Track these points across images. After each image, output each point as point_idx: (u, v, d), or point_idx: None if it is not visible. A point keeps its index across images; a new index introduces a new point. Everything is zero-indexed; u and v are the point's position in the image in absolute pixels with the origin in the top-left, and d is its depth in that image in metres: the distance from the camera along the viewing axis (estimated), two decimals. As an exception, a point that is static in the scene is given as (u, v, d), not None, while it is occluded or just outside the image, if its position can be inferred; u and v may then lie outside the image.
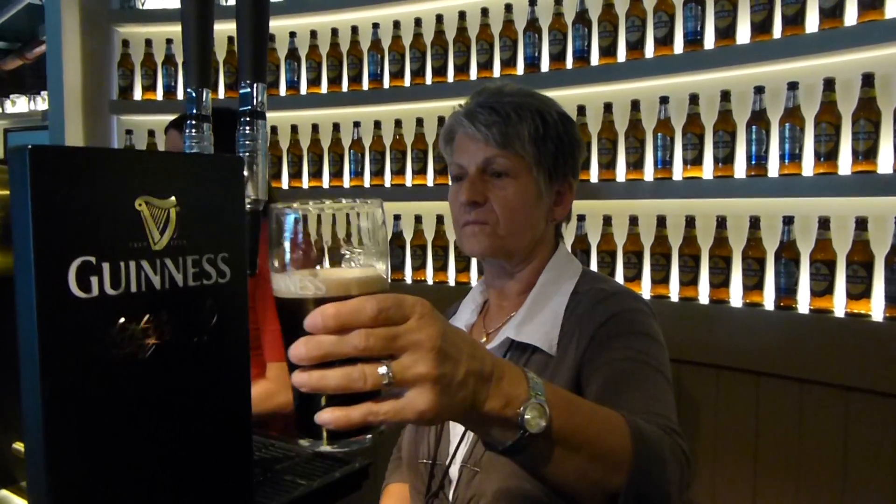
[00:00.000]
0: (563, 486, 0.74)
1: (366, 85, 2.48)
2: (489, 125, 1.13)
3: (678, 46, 1.95)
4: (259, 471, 0.85)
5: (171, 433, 0.65)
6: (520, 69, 2.21)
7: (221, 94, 2.65)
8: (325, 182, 2.54)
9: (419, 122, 2.37)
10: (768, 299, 1.79)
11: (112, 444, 0.61)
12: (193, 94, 0.81)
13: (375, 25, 2.43)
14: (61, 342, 0.57)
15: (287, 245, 0.58)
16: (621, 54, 2.04)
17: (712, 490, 1.85)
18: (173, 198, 0.63)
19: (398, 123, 2.41)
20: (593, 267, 2.05)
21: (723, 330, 1.81)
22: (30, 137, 4.19)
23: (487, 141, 1.13)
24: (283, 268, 0.58)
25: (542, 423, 0.65)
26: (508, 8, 2.21)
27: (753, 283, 1.79)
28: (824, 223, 1.68)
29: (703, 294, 1.90)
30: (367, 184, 2.47)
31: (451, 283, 2.31)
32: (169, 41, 2.69)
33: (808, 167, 1.74)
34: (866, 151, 1.63)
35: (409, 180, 2.41)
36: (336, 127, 2.51)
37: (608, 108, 2.05)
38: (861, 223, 1.64)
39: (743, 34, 1.84)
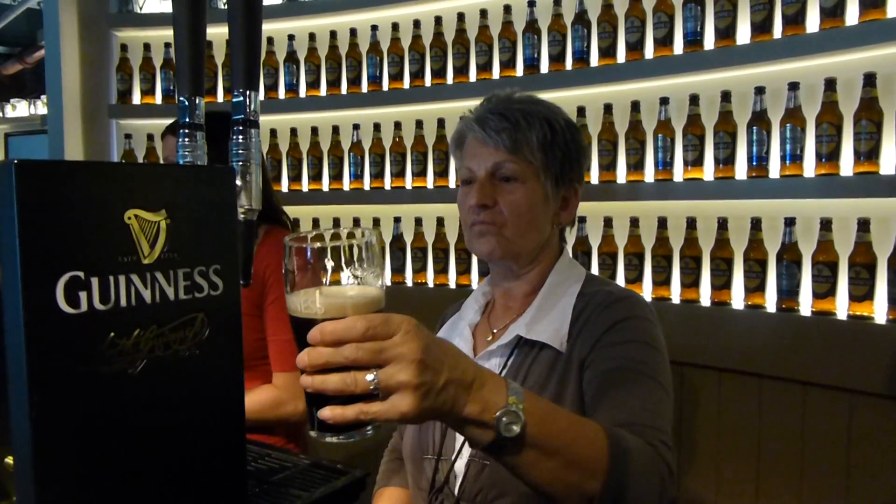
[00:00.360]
0: (539, 487, 0.81)
1: (365, 87, 2.47)
2: (499, 131, 1.17)
3: (678, 47, 1.93)
4: (254, 482, 0.84)
5: (163, 448, 0.64)
6: (519, 71, 2.20)
7: (220, 97, 2.65)
8: (325, 185, 2.53)
9: (419, 124, 2.36)
10: (770, 301, 1.78)
11: (102, 460, 0.60)
12: (186, 103, 0.81)
13: (374, 27, 2.42)
14: (50, 358, 0.56)
15: (296, 272, 0.68)
16: (621, 55, 2.03)
17: (715, 493, 1.84)
18: (163, 210, 0.62)
19: (398, 125, 2.40)
20: (594, 269, 2.05)
21: (724, 332, 1.80)
22: (30, 142, 4.19)
23: (497, 146, 1.17)
24: (293, 290, 0.69)
25: (516, 428, 0.74)
26: (507, 9, 2.20)
27: (755, 285, 1.78)
28: (826, 224, 1.67)
29: (705, 296, 1.88)
30: (366, 186, 2.46)
31: (452, 285, 2.30)
32: (167, 45, 2.68)
33: (809, 168, 1.73)
34: (868, 152, 1.62)
35: (408, 182, 2.40)
36: (335, 129, 2.51)
37: (608, 109, 2.04)
38: (863, 224, 1.62)
39: (743, 34, 1.83)
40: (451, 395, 0.71)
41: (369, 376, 0.66)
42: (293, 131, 2.56)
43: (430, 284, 2.33)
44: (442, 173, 2.32)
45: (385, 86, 2.44)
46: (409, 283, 2.37)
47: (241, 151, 0.79)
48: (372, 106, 2.45)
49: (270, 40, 2.59)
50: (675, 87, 1.96)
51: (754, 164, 1.79)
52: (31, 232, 0.55)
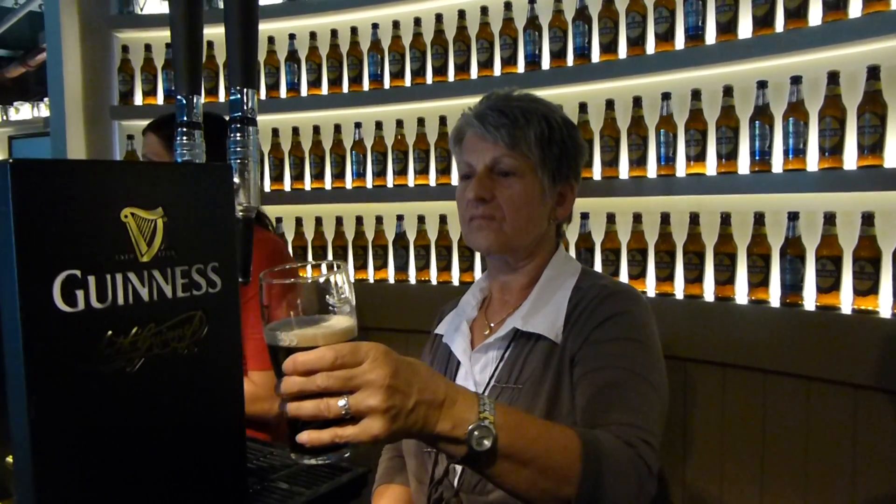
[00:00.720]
0: (516, 494, 0.86)
1: (366, 86, 2.46)
2: (498, 127, 1.20)
3: (679, 42, 1.93)
4: (255, 480, 0.84)
5: (163, 446, 0.64)
6: (520, 67, 2.20)
7: (222, 97, 2.65)
8: (328, 183, 2.53)
9: (420, 121, 2.36)
10: (774, 296, 1.77)
11: (102, 459, 0.60)
12: (184, 101, 0.80)
13: (375, 26, 2.42)
14: (48, 357, 0.56)
15: (271, 306, 0.73)
16: (622, 51, 2.03)
17: (720, 488, 1.84)
18: (160, 208, 0.62)
19: (399, 124, 2.40)
20: (598, 265, 2.04)
21: (728, 327, 1.80)
22: (34, 144, 4.20)
23: (496, 141, 1.20)
24: (268, 322, 0.74)
25: (487, 442, 0.79)
26: (508, 6, 2.19)
27: (759, 280, 1.77)
28: (830, 219, 1.66)
29: (709, 291, 1.88)
30: (369, 184, 2.46)
31: (455, 282, 2.29)
32: (168, 46, 2.68)
33: (812, 162, 1.72)
34: (872, 145, 1.61)
35: (411, 180, 2.39)
36: (337, 128, 2.50)
37: (610, 104, 2.03)
38: (867, 218, 1.61)
39: (745, 28, 1.82)
40: (421, 415, 0.76)
41: (341, 402, 0.71)
42: (295, 130, 2.56)
43: (434, 282, 2.33)
44: (444, 171, 2.32)
45: (387, 84, 2.43)
46: (413, 280, 2.37)
47: (238, 149, 0.79)
48: (374, 104, 2.45)
49: (272, 39, 2.59)
50: (677, 82, 1.95)
51: (757, 158, 1.78)
52: (28, 231, 0.55)
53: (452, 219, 2.30)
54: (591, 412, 1.02)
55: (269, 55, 2.59)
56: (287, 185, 2.59)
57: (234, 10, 0.78)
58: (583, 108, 2.05)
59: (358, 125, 2.46)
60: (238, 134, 0.79)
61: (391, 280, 2.41)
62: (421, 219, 2.34)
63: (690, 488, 1.89)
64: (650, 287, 1.96)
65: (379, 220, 2.43)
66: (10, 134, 4.47)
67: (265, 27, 2.60)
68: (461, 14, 2.27)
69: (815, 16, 1.71)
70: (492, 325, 1.28)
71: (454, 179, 2.32)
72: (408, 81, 2.40)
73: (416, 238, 2.35)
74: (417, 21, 2.35)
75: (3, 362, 0.57)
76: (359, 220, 2.45)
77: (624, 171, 2.03)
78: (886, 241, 1.61)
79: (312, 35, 2.53)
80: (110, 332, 0.59)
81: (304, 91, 2.57)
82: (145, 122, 1.88)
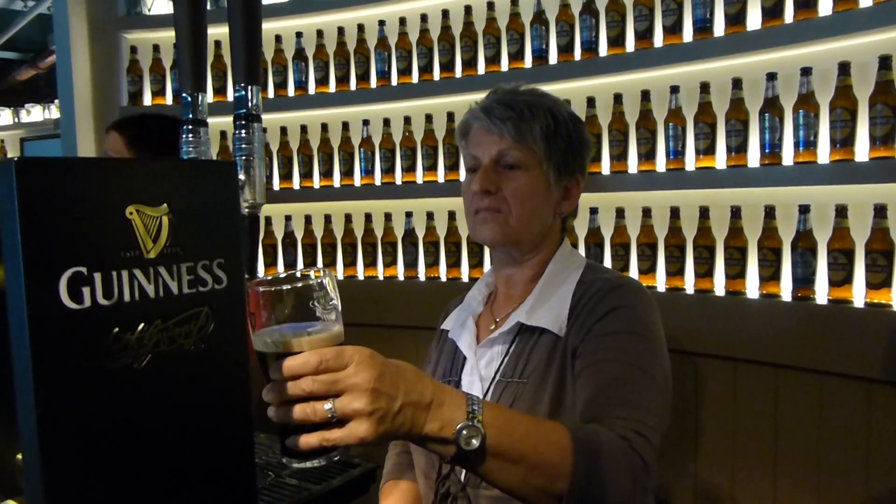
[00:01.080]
0: (509, 491, 0.87)
1: (374, 83, 2.46)
2: (504, 120, 1.20)
3: (687, 34, 1.91)
4: (263, 475, 0.84)
5: (171, 442, 0.64)
6: (528, 62, 2.19)
7: (231, 96, 2.65)
8: (337, 181, 2.54)
9: (428, 118, 2.35)
10: (785, 290, 1.76)
11: (110, 455, 0.60)
12: (189, 99, 0.80)
13: (381, 23, 2.42)
14: (55, 354, 0.56)
15: (258, 313, 0.74)
16: (630, 44, 2.01)
17: (731, 484, 1.83)
18: (165, 205, 0.62)
19: (407, 120, 2.40)
20: (607, 260, 2.03)
21: (739, 322, 1.78)
22: (45, 145, 4.22)
23: (502, 134, 1.20)
24: (256, 329, 0.75)
25: (475, 442, 0.80)
26: (514, 1, 2.19)
27: (770, 274, 1.76)
28: (842, 211, 1.65)
29: (719, 286, 1.87)
30: (377, 181, 2.46)
31: (465, 278, 2.29)
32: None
33: (823, 154, 1.71)
34: (884, 136, 1.59)
35: (420, 177, 2.39)
36: (345, 126, 2.50)
37: (618, 98, 2.02)
38: (880, 210, 1.60)
39: (753, 20, 1.81)
40: (408, 416, 0.77)
41: (327, 405, 0.73)
42: (303, 128, 2.56)
43: (443, 278, 2.33)
44: (453, 167, 2.32)
45: (394, 81, 2.43)
46: (422, 277, 2.37)
47: (244, 146, 0.79)
48: (381, 101, 2.45)
49: (279, 38, 2.60)
50: (686, 75, 1.94)
51: (767, 151, 1.77)
52: (33, 229, 0.55)
53: (461, 215, 2.29)
54: (590, 406, 1.02)
55: (276, 54, 2.60)
56: (296, 183, 2.60)
57: (238, 8, 0.78)
58: (591, 102, 2.04)
59: (366, 122, 2.46)
60: (243, 131, 0.80)
61: (401, 277, 2.41)
62: (430, 215, 2.34)
63: (702, 484, 1.88)
64: (660, 282, 1.95)
65: (388, 216, 2.43)
66: (22, 136, 4.49)
67: (272, 26, 2.60)
68: (467, 10, 2.27)
69: (826, 6, 1.69)
70: (497, 319, 1.28)
71: (462, 175, 2.31)
72: (415, 78, 2.40)
73: (425, 234, 2.35)
74: (424, 17, 2.35)
75: (10, 359, 0.57)
76: (368, 217, 2.45)
77: (633, 165, 2.02)
78: (899, 233, 1.59)
79: (319, 33, 2.53)
80: (117, 329, 0.59)
81: (311, 89, 2.57)
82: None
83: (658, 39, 1.96)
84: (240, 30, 0.78)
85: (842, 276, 1.64)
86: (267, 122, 2.47)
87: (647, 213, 1.95)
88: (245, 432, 0.71)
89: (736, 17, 1.80)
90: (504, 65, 2.24)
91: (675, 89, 1.92)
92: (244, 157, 0.79)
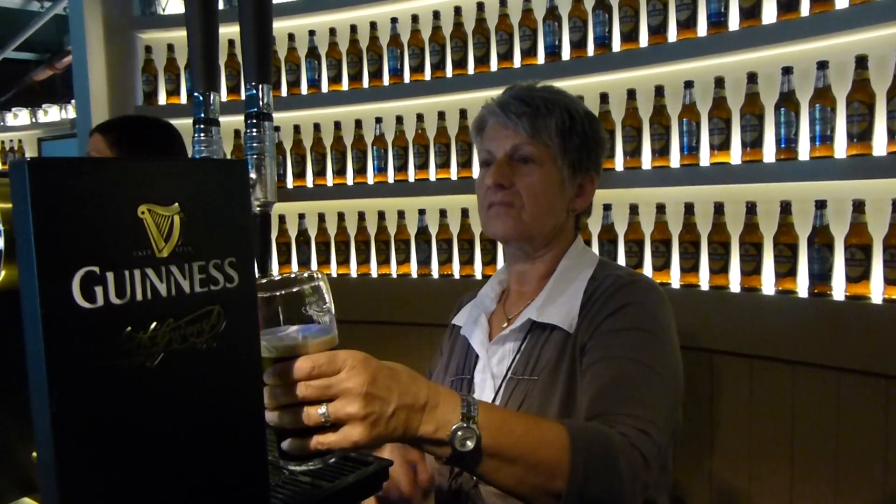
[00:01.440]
0: (507, 490, 0.87)
1: (386, 80, 2.47)
2: (520, 115, 1.20)
3: (702, 29, 1.90)
4: (278, 472, 0.84)
5: (184, 440, 0.65)
6: (540, 58, 2.18)
7: (244, 95, 2.66)
8: (350, 179, 2.54)
9: (441, 115, 2.35)
10: (802, 286, 1.74)
11: (124, 454, 0.60)
12: (200, 98, 0.81)
13: (394, 20, 2.42)
14: (68, 353, 0.57)
15: None
16: (643, 39, 2.00)
17: (748, 482, 1.81)
18: (176, 204, 0.62)
19: (420, 118, 2.40)
20: (621, 257, 2.02)
21: (755, 318, 1.77)
22: (62, 145, 4.27)
23: (517, 129, 1.21)
24: None
25: (470, 443, 0.80)
26: (527, -3, 2.18)
27: (786, 270, 1.74)
28: (859, 206, 1.63)
29: (735, 282, 1.85)
30: (391, 179, 2.46)
31: (478, 276, 2.29)
32: (191, 45, 2.70)
33: (840, 149, 1.69)
34: (902, 130, 1.57)
35: (432, 174, 2.39)
36: (358, 123, 2.51)
37: (632, 94, 2.01)
38: (898, 205, 1.58)
39: (769, 13, 1.79)
40: (402, 419, 0.78)
41: (321, 410, 0.73)
42: (316, 126, 2.57)
43: (457, 276, 2.33)
44: (465, 164, 2.31)
45: (406, 78, 2.43)
46: (436, 275, 2.37)
47: (255, 144, 0.79)
48: (394, 99, 2.45)
49: (291, 36, 2.60)
50: (700, 69, 1.93)
51: (783, 146, 1.75)
52: (46, 229, 0.55)
53: (474, 212, 2.29)
54: (594, 403, 1.02)
55: (289, 52, 2.60)
56: (309, 182, 2.60)
57: (248, 6, 0.78)
58: (604, 98, 2.03)
59: (379, 120, 2.47)
60: (254, 129, 0.80)
61: (414, 274, 2.41)
62: (443, 212, 2.34)
63: (718, 481, 1.87)
64: (675, 278, 1.94)
65: (401, 214, 2.44)
66: (40, 136, 4.54)
67: (286, 24, 2.61)
68: (480, 6, 2.26)
69: (842, -2, 1.67)
70: (510, 317, 1.27)
71: (475, 172, 2.31)
72: (427, 75, 2.39)
73: (438, 232, 2.35)
74: (436, 14, 2.35)
75: (24, 358, 0.58)
76: (381, 214, 2.46)
77: (647, 161, 2.01)
78: (918, 229, 1.57)
79: (332, 31, 2.54)
80: (130, 328, 0.60)
81: (324, 87, 2.58)
82: (170, 122, 1.92)
83: (672, 34, 1.95)
84: (250, 28, 0.78)
85: (859, 271, 1.63)
86: (280, 121, 2.48)
87: (661, 209, 1.94)
88: (257, 430, 0.71)
89: (751, 11, 1.79)
90: (517, 61, 2.23)
91: (689, 84, 1.90)
92: (255, 156, 0.79)
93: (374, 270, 2.49)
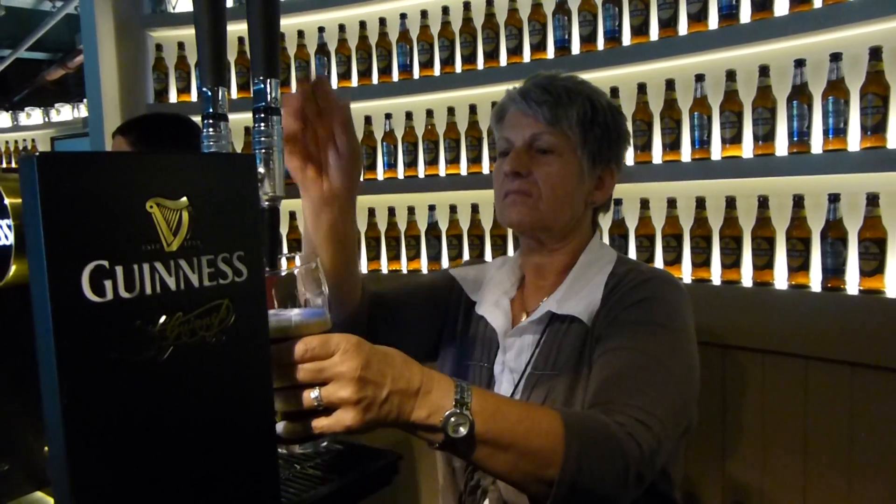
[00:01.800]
0: (499, 477, 0.87)
1: (396, 76, 2.47)
2: (540, 103, 1.18)
3: (713, 21, 1.88)
4: (289, 466, 0.85)
5: (194, 434, 0.65)
6: (550, 53, 2.17)
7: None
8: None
9: (451, 111, 2.35)
10: (815, 281, 1.73)
11: (134, 447, 0.61)
12: (209, 94, 0.81)
13: (403, 16, 2.42)
14: (78, 347, 0.57)
15: None
16: (654, 33, 1.99)
17: (761, 477, 1.80)
18: (185, 198, 0.62)
19: (429, 113, 2.39)
20: (632, 251, 2.01)
21: (767, 313, 1.76)
22: (74, 145, 4.30)
23: (537, 118, 1.18)
24: None
25: (463, 430, 0.79)
26: (536, -9, 2.17)
27: (799, 265, 1.73)
28: (873, 200, 1.61)
29: (747, 277, 1.84)
30: (400, 175, 2.46)
31: (488, 272, 2.28)
32: (201, 42, 2.71)
33: (854, 142, 1.67)
34: (916, 122, 1.56)
35: (442, 170, 2.39)
36: (368, 119, 2.51)
37: (642, 88, 2.00)
38: (912, 198, 1.56)
39: (781, 5, 1.77)
40: (395, 404, 0.77)
41: (313, 393, 0.73)
42: (326, 123, 2.57)
43: (466, 272, 2.32)
44: (475, 160, 2.31)
45: (416, 74, 2.43)
46: (445, 271, 2.36)
47: (263, 139, 0.79)
48: (403, 95, 2.45)
49: (301, 33, 2.61)
50: (711, 63, 1.91)
51: (795, 139, 1.73)
52: (55, 223, 0.55)
53: (484, 208, 2.29)
54: (598, 392, 1.00)
55: (299, 49, 2.61)
56: (319, 178, 2.60)
57: (256, 2, 0.78)
58: (614, 92, 2.02)
59: (388, 116, 2.47)
60: (262, 124, 0.80)
61: (424, 270, 2.41)
62: (453, 208, 2.34)
63: (730, 476, 1.86)
64: (686, 273, 1.93)
65: (411, 210, 2.44)
66: (52, 135, 4.58)
67: (295, 21, 2.61)
68: (489, 1, 2.26)
69: (855, -11, 1.65)
70: (528, 310, 1.24)
71: (485, 168, 2.31)
72: (437, 71, 2.39)
73: (448, 227, 2.35)
74: (445, 10, 2.34)
75: (35, 352, 0.58)
76: (391, 210, 2.46)
77: (657, 155, 2.00)
78: (933, 222, 1.56)
79: (341, 27, 2.54)
80: (139, 322, 0.60)
81: (334, 83, 2.58)
82: (189, 117, 1.95)
83: (683, 27, 1.93)
84: (258, 23, 0.78)
85: (873, 266, 1.61)
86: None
87: (672, 203, 1.93)
88: (267, 423, 0.71)
89: (763, 3, 1.77)
90: (526, 56, 2.23)
91: (700, 77, 1.89)
92: (263, 150, 0.79)
93: (384, 266, 2.49)
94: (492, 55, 2.27)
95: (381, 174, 2.51)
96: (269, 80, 0.80)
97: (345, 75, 2.54)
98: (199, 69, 0.83)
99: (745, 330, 1.79)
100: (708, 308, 1.82)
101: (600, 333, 1.10)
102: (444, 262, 2.37)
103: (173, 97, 2.83)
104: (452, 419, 0.79)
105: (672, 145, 1.94)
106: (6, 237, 0.77)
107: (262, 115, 0.80)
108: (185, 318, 0.63)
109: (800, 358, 1.72)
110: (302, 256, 0.79)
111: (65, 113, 4.51)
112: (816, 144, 1.73)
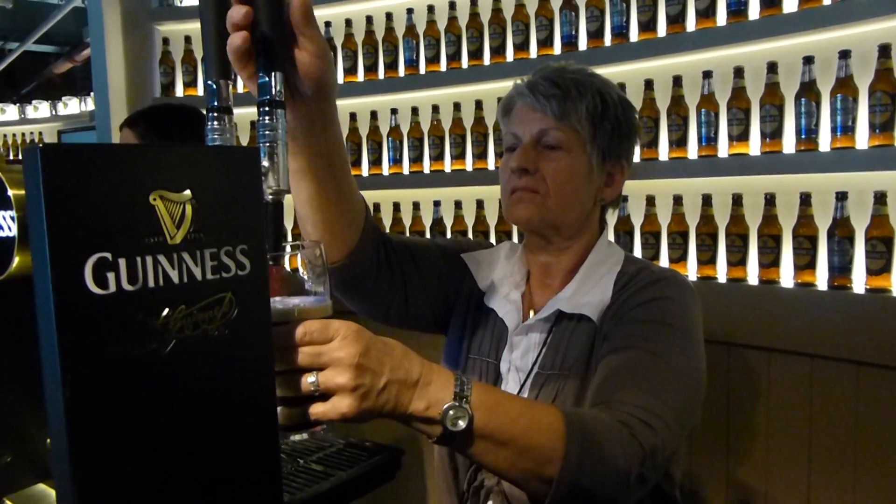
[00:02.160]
0: (498, 473, 0.85)
1: (402, 71, 2.46)
2: (549, 97, 1.14)
3: (721, 18, 1.87)
4: (292, 460, 0.85)
5: (195, 427, 0.65)
6: (557, 49, 2.16)
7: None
8: (365, 170, 2.54)
9: (457, 106, 2.34)
10: (821, 279, 1.72)
11: (136, 440, 0.61)
12: (214, 87, 0.81)
13: (409, 11, 2.41)
14: (80, 340, 0.57)
15: None
16: (661, 28, 1.98)
17: (766, 477, 1.80)
18: (188, 191, 0.62)
19: (435, 109, 2.39)
20: (637, 249, 2.01)
21: (773, 311, 1.75)
22: (81, 138, 4.31)
23: (545, 112, 1.14)
24: None
25: (462, 423, 0.78)
26: (544, -14, 2.16)
27: (805, 263, 1.72)
28: (880, 198, 1.60)
29: (753, 275, 1.83)
30: (406, 170, 2.46)
31: (493, 269, 2.28)
32: (208, 36, 2.71)
33: (862, 140, 1.66)
34: (926, 120, 1.55)
35: (448, 166, 2.39)
36: (373, 115, 2.51)
37: (649, 84, 1.99)
38: (921, 196, 1.55)
39: (790, 2, 1.76)
40: (392, 394, 0.75)
41: (311, 378, 0.72)
42: (332, 118, 2.57)
43: (471, 268, 2.32)
44: (481, 155, 2.30)
45: (422, 69, 2.43)
46: (450, 267, 2.36)
47: (267, 132, 0.79)
48: (409, 90, 2.44)
49: (307, 28, 2.60)
50: (719, 59, 1.90)
51: (803, 136, 1.72)
52: (58, 215, 0.55)
53: (489, 204, 2.29)
54: (601, 389, 0.98)
55: (305, 43, 2.60)
56: (325, 173, 2.60)
57: (261, -6, 0.78)
58: (621, 88, 2.00)
59: (394, 111, 2.46)
60: (266, 117, 0.79)
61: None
62: (458, 204, 2.33)
63: (735, 476, 1.85)
64: (692, 270, 1.92)
65: (416, 206, 2.43)
66: (59, 128, 4.59)
67: (302, 16, 2.60)
68: (496, -4, 2.25)
69: (865, -14, 1.64)
70: (536, 309, 1.22)
71: (491, 164, 2.30)
72: (443, 66, 2.38)
73: (453, 223, 2.35)
74: (452, 5, 2.34)
75: (38, 345, 0.58)
76: (396, 206, 2.45)
77: (664, 152, 1.99)
78: (941, 221, 1.54)
79: (348, 22, 2.53)
80: (142, 315, 0.60)
81: (340, 78, 2.57)
82: (195, 107, 1.95)
83: (691, 23, 1.92)
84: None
85: (880, 264, 1.60)
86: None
87: (678, 200, 1.92)
88: (269, 417, 0.71)
89: (771, 0, 1.76)
90: (533, 51, 2.22)
91: (707, 74, 1.88)
92: (268, 144, 0.79)
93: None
94: (498, 51, 2.26)
95: (386, 169, 2.51)
96: (273, 74, 0.79)
97: (351, 70, 2.54)
98: (204, 63, 0.82)
99: (751, 328, 1.78)
100: (713, 306, 1.81)
101: (607, 331, 1.08)
102: (449, 258, 2.36)
103: (180, 91, 2.83)
104: (451, 412, 0.78)
105: (679, 142, 1.93)
106: (9, 228, 0.78)
107: (267, 109, 0.79)
108: (188, 312, 0.63)
109: (805, 356, 1.71)
110: (304, 241, 0.78)
111: (72, 106, 4.52)
112: (824, 142, 1.72)
